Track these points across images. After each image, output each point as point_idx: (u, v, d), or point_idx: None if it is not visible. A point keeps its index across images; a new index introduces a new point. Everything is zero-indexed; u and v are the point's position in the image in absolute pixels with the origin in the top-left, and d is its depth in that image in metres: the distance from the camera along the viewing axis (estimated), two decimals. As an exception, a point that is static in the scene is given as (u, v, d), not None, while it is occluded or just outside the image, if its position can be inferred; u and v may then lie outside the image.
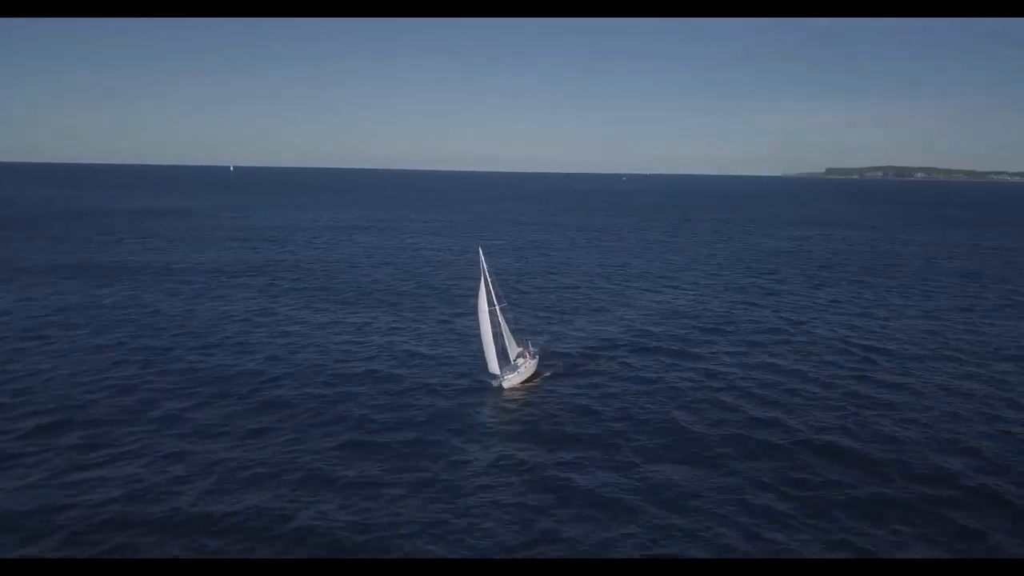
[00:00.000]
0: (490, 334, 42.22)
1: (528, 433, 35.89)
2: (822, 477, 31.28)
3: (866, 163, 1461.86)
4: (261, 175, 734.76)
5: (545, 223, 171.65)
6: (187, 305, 64.90)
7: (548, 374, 44.79)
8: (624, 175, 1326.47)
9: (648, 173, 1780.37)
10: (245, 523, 26.96)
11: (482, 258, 43.34)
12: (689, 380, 44.67)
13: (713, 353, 50.95)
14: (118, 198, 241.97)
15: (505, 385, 41.86)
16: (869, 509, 28.52)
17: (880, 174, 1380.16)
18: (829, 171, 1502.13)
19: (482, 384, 42.64)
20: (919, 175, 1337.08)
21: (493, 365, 42.40)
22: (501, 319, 43.15)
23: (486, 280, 42.50)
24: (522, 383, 42.84)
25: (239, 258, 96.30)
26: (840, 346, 53.41)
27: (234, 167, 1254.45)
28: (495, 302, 42.67)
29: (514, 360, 43.85)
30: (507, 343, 43.83)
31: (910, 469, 32.18)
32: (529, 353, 44.99)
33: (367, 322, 59.40)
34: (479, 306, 42.30)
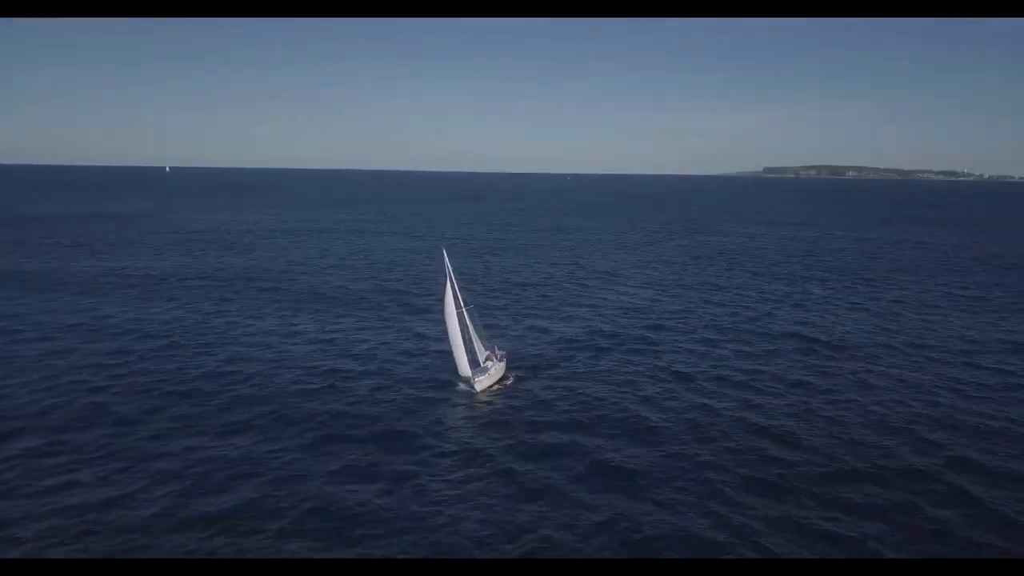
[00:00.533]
0: (459, 336, 41.98)
1: (503, 435, 35.82)
2: (785, 465, 32.35)
3: (801, 162, 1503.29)
4: (199, 176, 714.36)
5: (497, 223, 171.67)
6: (137, 311, 62.65)
7: (516, 376, 44.78)
8: (569, 175, 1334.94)
9: (593, 173, 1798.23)
10: (225, 525, 26.50)
11: (446, 259, 43.00)
12: (652, 375, 45.47)
13: (675, 349, 51.85)
14: (47, 201, 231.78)
15: (476, 388, 41.63)
16: (821, 492, 29.77)
17: (814, 173, 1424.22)
18: (767, 170, 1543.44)
19: (452, 388, 42.36)
20: (851, 174, 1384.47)
21: (463, 368, 42.17)
22: (468, 321, 42.94)
23: (451, 281, 42.21)
24: (492, 385, 42.75)
25: (186, 262, 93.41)
26: (793, 339, 54.95)
27: (170, 168, 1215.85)
28: (462, 304, 42.48)
29: (483, 363, 43.72)
30: (475, 345, 43.67)
31: (858, 452, 33.75)
32: (496, 355, 44.91)
33: (327, 325, 58.34)
34: (446, 308, 42.00)
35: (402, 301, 69.05)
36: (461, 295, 42.47)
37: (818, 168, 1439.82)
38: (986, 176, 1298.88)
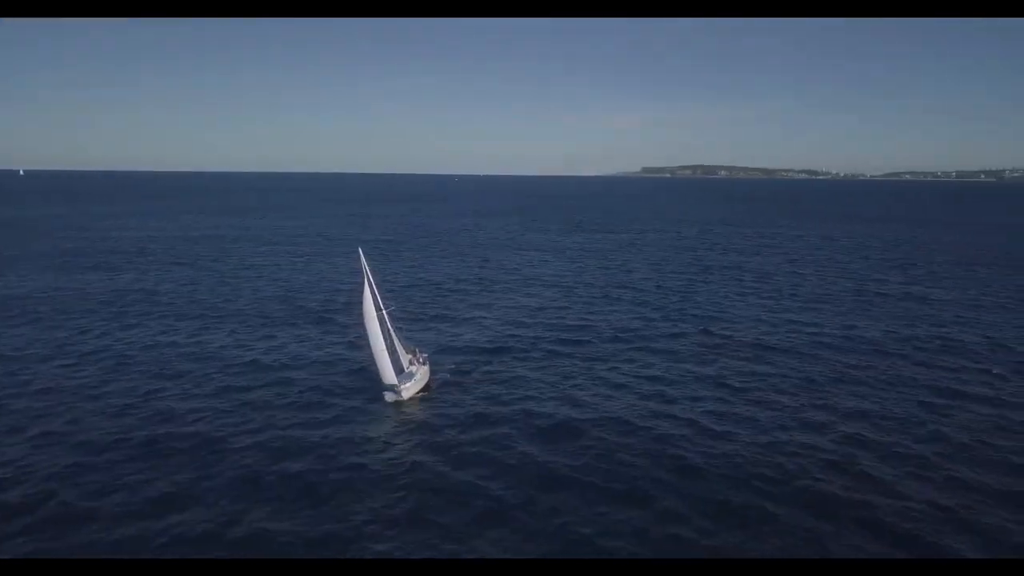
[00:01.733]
0: (381, 340, 39.25)
1: (435, 443, 33.57)
2: (709, 465, 31.99)
3: (677, 162, 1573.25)
4: (59, 179, 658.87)
5: (391, 226, 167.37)
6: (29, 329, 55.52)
7: (439, 380, 42.59)
8: (456, 176, 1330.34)
9: (480, 174, 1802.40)
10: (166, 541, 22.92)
11: (363, 259, 40.21)
12: (572, 374, 44.44)
13: (591, 349, 51.14)
14: None
15: (404, 395, 39.04)
16: (730, 480, 29.73)
17: (689, 172, 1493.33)
18: (645, 170, 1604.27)
19: (377, 397, 39.56)
20: (722, 173, 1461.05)
21: (388, 374, 39.40)
22: (389, 324, 40.33)
23: (369, 283, 39.43)
24: (419, 392, 40.32)
25: (69, 277, 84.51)
26: (697, 335, 55.67)
27: (24, 171, 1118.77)
28: (381, 306, 39.82)
29: (407, 367, 41.19)
30: (398, 349, 41.08)
31: (764, 441, 33.98)
32: (419, 358, 42.55)
33: (233, 336, 53.71)
34: (365, 311, 39.12)
35: (309, 309, 64.99)
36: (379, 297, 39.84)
37: (693, 168, 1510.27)
38: (841, 175, 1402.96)
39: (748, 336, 54.83)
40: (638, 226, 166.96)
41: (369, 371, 41.49)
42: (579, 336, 54.41)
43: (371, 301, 39.11)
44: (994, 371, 46.00)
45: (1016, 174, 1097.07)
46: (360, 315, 39.52)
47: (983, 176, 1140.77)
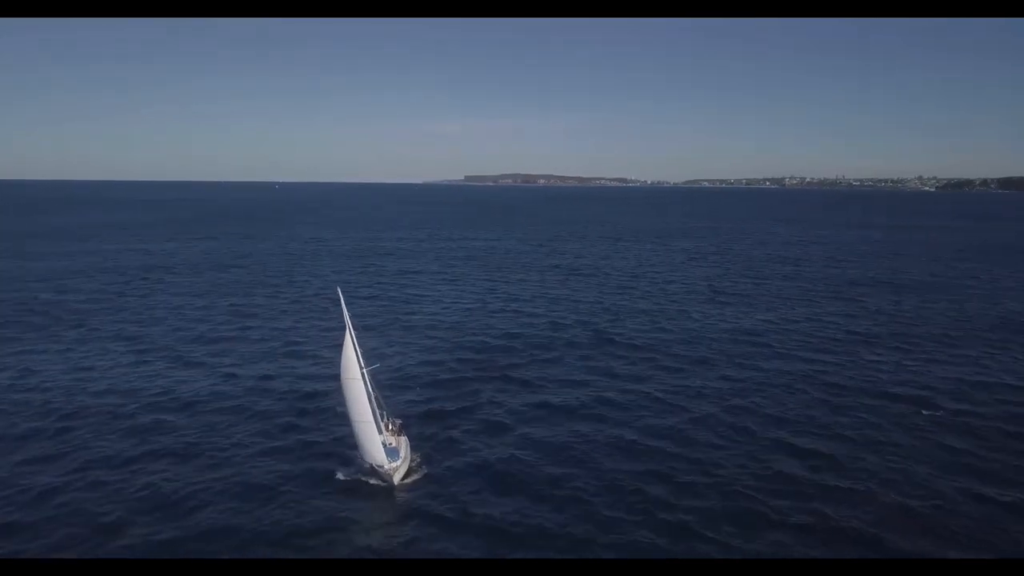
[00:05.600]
0: (368, 410, 30.00)
1: (450, 532, 25.38)
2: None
3: (499, 171, 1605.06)
4: None
5: (217, 236, 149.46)
6: None
7: (411, 443, 33.70)
8: (277, 183, 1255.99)
9: (301, 181, 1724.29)
10: None
11: (343, 304, 30.74)
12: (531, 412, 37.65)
13: (524, 371, 44.57)
14: None
15: (396, 479, 30.07)
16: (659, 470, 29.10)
17: (510, 180, 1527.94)
18: (468, 178, 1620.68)
19: (362, 483, 30.18)
20: (541, 181, 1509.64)
21: (376, 454, 30.11)
22: (370, 387, 30.97)
23: (351, 335, 30.10)
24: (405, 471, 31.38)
25: None
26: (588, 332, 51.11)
27: None
28: (362, 363, 30.49)
29: (386, 442, 31.67)
30: (376, 420, 31.53)
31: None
32: (395, 427, 33.40)
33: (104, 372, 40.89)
34: (346, 369, 29.73)
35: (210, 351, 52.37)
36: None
37: (514, 176, 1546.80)
38: (649, 182, 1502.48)
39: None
40: (473, 232, 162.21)
41: (344, 446, 32.01)
42: (497, 356, 47.58)
43: (354, 356, 29.77)
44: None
45: (794, 181, 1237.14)
46: (340, 374, 29.90)
47: (768, 183, 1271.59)
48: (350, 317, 30.49)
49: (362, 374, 29.98)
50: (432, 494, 29.44)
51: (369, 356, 32.29)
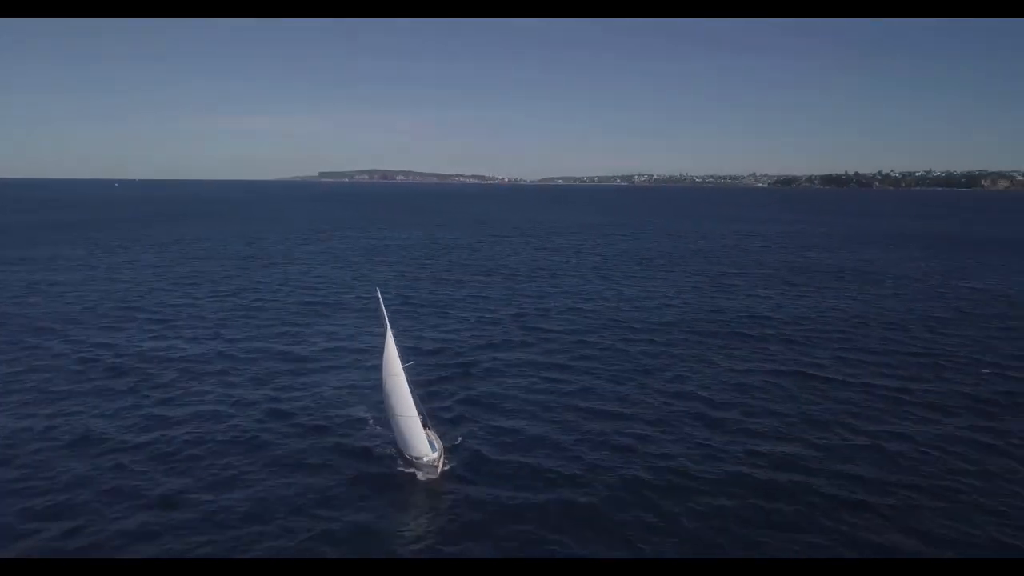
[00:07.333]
0: (412, 404, 30.39)
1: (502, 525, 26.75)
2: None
3: (355, 167, 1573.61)
4: None
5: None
6: None
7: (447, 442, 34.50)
8: (116, 181, 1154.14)
9: (143, 179, 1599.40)
10: None
11: (382, 303, 30.89)
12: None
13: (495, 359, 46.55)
14: None
15: (440, 468, 30.72)
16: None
17: (367, 177, 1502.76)
18: (322, 174, 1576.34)
19: (407, 475, 30.53)
20: (400, 178, 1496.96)
21: (421, 446, 30.56)
22: (407, 382, 31.39)
23: (389, 331, 30.41)
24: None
25: None
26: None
27: None
28: (400, 361, 30.87)
29: (428, 437, 32.19)
30: (420, 414, 31.93)
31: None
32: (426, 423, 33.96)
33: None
34: (388, 366, 30.04)
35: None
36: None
37: (371, 172, 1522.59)
38: (507, 180, 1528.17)
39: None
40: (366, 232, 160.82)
41: (383, 441, 32.17)
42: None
43: (395, 353, 30.14)
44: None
45: (643, 178, 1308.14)
46: (382, 370, 30.15)
47: (619, 181, 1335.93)
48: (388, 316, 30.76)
49: (404, 371, 30.40)
50: (472, 486, 30.30)
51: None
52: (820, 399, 41.68)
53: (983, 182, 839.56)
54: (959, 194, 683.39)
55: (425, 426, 33.03)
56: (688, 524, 26.94)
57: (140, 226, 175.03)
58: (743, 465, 32.09)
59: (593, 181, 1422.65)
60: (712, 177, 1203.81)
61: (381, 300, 31.36)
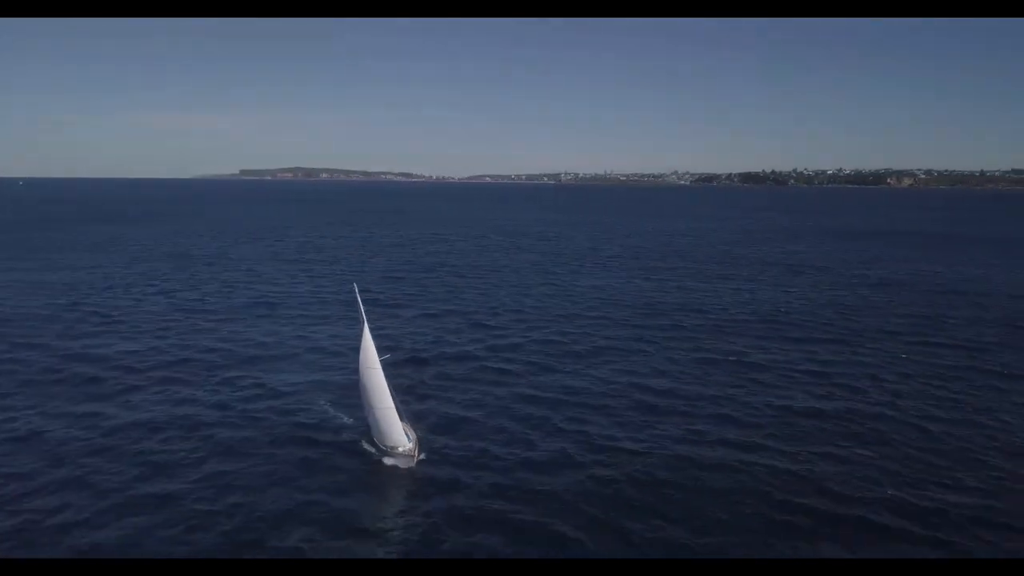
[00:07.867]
0: (388, 395, 32.00)
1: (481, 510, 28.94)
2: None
3: (278, 165, 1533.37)
4: None
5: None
6: None
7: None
8: (20, 179, 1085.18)
9: (47, 177, 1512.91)
10: None
11: (359, 298, 32.35)
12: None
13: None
14: None
15: (415, 459, 32.39)
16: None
17: (290, 175, 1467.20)
18: (243, 172, 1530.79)
19: (386, 465, 32.09)
20: (324, 176, 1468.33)
21: (397, 436, 32.16)
22: (383, 375, 32.97)
23: (365, 324, 31.96)
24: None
25: None
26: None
27: None
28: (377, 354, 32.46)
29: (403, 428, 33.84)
30: (396, 406, 33.47)
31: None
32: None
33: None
34: (365, 360, 31.58)
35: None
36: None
37: (294, 171, 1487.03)
38: (434, 177, 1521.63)
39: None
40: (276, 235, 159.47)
41: (358, 432, 33.59)
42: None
43: (372, 347, 31.73)
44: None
45: (569, 177, 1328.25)
46: (359, 364, 31.69)
47: (546, 179, 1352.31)
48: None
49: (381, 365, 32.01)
50: (442, 471, 32.20)
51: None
52: (745, 382, 45.49)
53: (888, 180, 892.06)
54: (867, 191, 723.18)
55: (400, 417, 34.74)
56: (629, 491, 29.69)
57: (57, 228, 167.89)
58: (683, 444, 35.14)
59: (521, 179, 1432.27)
60: (636, 175, 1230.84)
61: (359, 296, 32.83)
